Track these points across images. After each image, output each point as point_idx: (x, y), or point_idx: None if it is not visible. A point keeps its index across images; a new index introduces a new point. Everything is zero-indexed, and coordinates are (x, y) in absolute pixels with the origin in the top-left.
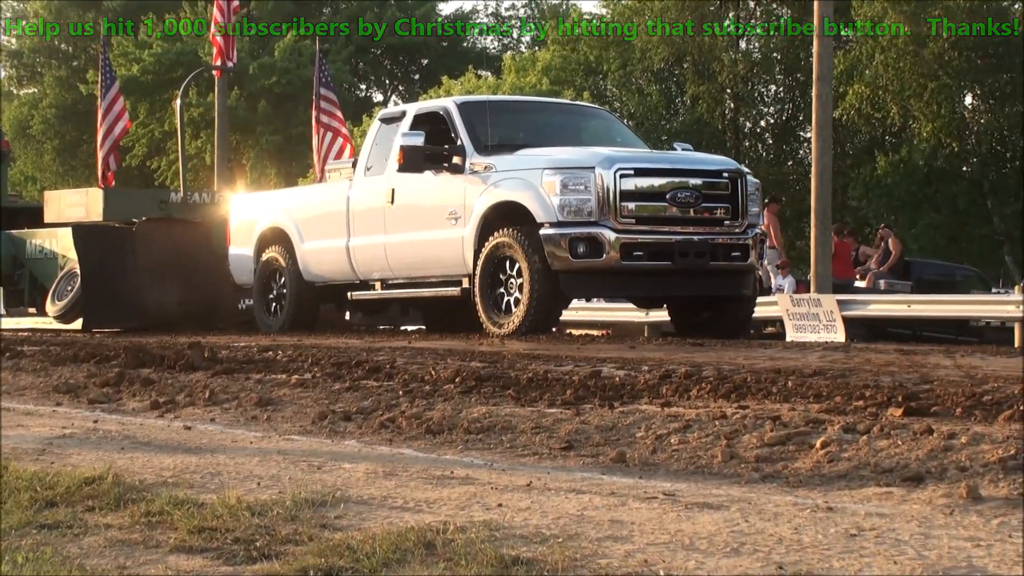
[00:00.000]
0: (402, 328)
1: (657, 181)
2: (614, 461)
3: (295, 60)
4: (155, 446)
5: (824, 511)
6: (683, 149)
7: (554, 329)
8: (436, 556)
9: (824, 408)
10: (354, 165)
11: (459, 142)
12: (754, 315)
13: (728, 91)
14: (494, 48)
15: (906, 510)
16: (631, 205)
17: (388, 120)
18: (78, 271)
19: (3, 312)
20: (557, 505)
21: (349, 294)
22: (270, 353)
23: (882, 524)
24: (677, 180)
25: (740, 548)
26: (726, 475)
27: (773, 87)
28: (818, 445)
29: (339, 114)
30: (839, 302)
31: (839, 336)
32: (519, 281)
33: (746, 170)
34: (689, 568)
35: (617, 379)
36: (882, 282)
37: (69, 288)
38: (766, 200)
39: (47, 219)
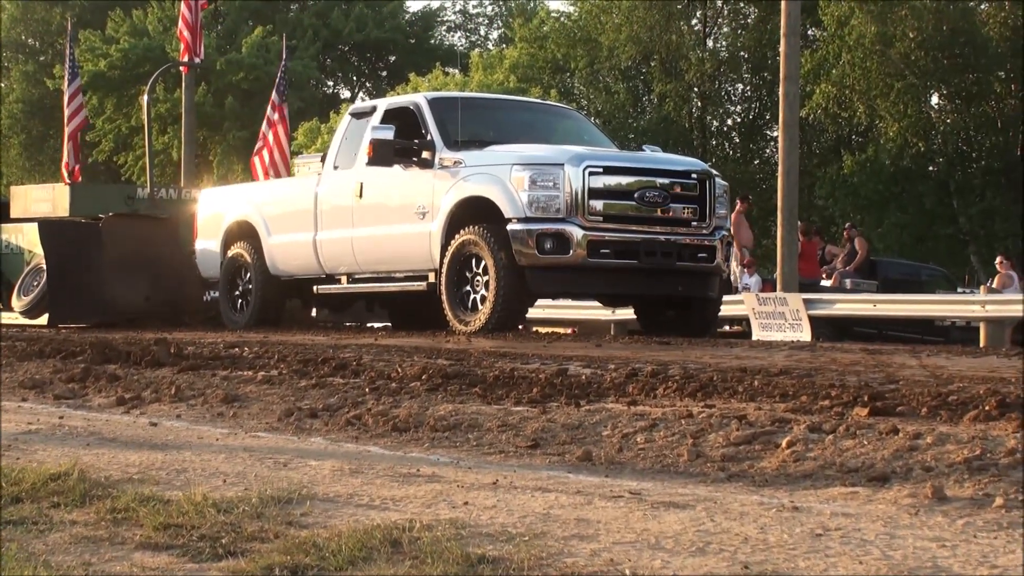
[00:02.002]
0: (368, 325)
1: (625, 180)
2: (580, 460)
3: (263, 56)
4: (121, 442)
5: (790, 511)
6: (651, 150)
7: (520, 327)
8: (402, 554)
9: (790, 407)
10: (323, 159)
11: (429, 137)
12: (720, 314)
13: (695, 90)
14: (462, 46)
15: (871, 510)
16: (599, 203)
17: (358, 115)
18: (44, 266)
19: None
20: (523, 503)
21: (315, 288)
22: (236, 349)
23: (847, 524)
24: (645, 179)
25: (706, 547)
26: (692, 474)
27: (740, 86)
28: (784, 445)
29: (275, 129)
30: (805, 301)
31: (805, 335)
32: (486, 278)
33: (715, 172)
34: (655, 567)
35: (583, 377)
36: (848, 281)
37: (35, 283)
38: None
39: (13, 214)
